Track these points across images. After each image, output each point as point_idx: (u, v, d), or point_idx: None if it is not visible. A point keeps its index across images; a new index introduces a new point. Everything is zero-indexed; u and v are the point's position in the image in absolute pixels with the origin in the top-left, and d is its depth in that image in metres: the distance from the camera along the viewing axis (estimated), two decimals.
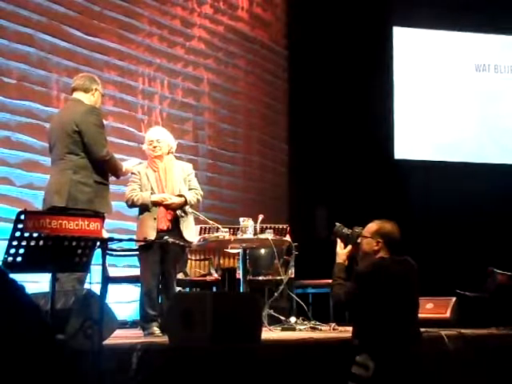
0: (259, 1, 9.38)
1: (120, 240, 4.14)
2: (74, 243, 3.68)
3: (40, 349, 2.73)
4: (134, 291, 6.16)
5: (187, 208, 5.43)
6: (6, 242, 3.52)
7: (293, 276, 6.44)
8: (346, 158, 9.34)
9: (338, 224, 4.15)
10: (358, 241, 3.99)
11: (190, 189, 5.52)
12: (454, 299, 5.97)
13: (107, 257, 3.90)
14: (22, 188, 6.29)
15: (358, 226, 4.08)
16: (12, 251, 3.50)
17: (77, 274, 4.44)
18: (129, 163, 5.30)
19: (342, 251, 4.05)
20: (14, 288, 2.81)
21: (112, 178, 5.08)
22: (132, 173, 5.42)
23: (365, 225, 4.00)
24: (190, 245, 5.51)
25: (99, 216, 4.28)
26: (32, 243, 3.53)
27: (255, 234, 5.65)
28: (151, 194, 5.40)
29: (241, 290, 5.88)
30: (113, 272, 6.11)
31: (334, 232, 4.13)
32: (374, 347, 3.73)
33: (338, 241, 4.09)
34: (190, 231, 5.50)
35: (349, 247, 4.05)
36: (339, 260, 4.05)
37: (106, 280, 4.12)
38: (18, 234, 3.50)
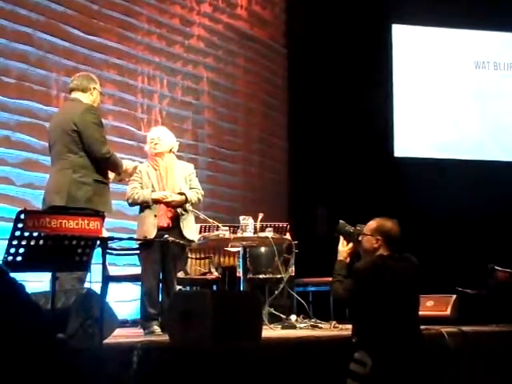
0: None
1: (120, 239, 4.15)
2: (74, 242, 3.68)
3: (40, 348, 2.73)
4: (134, 290, 6.16)
5: (188, 206, 5.44)
6: (6, 242, 3.52)
7: (293, 274, 6.44)
8: (345, 156, 9.34)
9: (341, 221, 4.16)
10: (360, 238, 4.00)
11: (190, 188, 5.53)
12: (454, 296, 5.98)
13: (107, 256, 3.91)
14: (21, 187, 6.29)
15: (359, 223, 4.09)
16: (12, 251, 3.50)
17: (77, 273, 4.43)
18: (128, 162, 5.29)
19: (343, 248, 4.07)
20: (13, 287, 2.82)
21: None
22: None
23: (367, 223, 4.01)
24: (190, 244, 5.52)
25: (99, 215, 4.28)
26: (32, 242, 3.54)
27: (255, 232, 5.65)
28: (152, 191, 5.41)
29: (241, 289, 5.88)
30: (113, 271, 6.12)
31: (337, 229, 4.14)
32: (372, 344, 3.73)
33: (341, 238, 4.10)
34: (191, 229, 5.51)
35: (350, 245, 4.06)
36: (340, 257, 4.06)
37: (107, 279, 4.13)
38: (18, 233, 3.50)
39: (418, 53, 10.12)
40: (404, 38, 10.14)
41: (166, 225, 5.35)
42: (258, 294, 5.02)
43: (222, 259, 6.64)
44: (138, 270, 5.60)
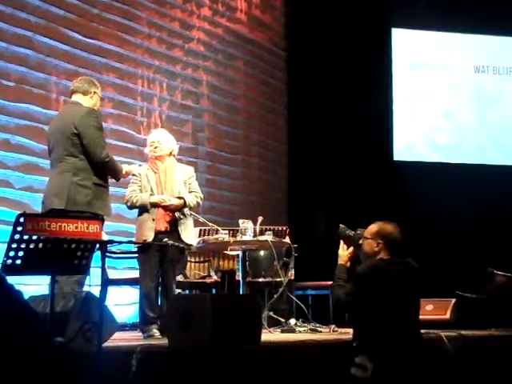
0: (258, 3, 9.39)
1: (119, 242, 4.13)
2: (73, 246, 3.68)
3: (38, 355, 2.72)
4: (133, 293, 6.15)
5: (186, 210, 5.43)
6: (6, 245, 3.52)
7: (292, 278, 6.43)
8: (345, 160, 9.34)
9: (341, 225, 4.15)
10: (360, 242, 3.99)
11: (190, 191, 5.52)
12: (453, 300, 5.98)
13: (107, 259, 3.90)
14: (21, 191, 6.28)
15: (359, 227, 4.08)
16: (11, 254, 3.49)
17: (76, 277, 4.43)
18: (128, 166, 5.30)
19: (343, 253, 4.06)
20: (11, 294, 2.80)
21: (112, 181, 5.08)
22: (133, 174, 5.42)
23: (366, 226, 4.01)
24: (189, 247, 5.51)
25: (98, 218, 4.27)
26: (31, 246, 3.53)
27: (255, 235, 5.64)
28: (150, 195, 5.41)
29: (240, 292, 5.88)
30: (112, 274, 6.11)
31: (338, 233, 4.13)
32: (373, 348, 3.72)
33: (341, 242, 4.09)
34: (189, 233, 5.50)
35: (350, 249, 4.06)
36: (341, 261, 4.05)
37: (106, 282, 4.11)
38: (17, 236, 3.50)
39: (418, 57, 10.13)
40: (404, 41, 10.15)
41: (163, 229, 5.35)
42: (258, 297, 5.03)
43: (221, 263, 6.63)
44: (137, 274, 5.59)
